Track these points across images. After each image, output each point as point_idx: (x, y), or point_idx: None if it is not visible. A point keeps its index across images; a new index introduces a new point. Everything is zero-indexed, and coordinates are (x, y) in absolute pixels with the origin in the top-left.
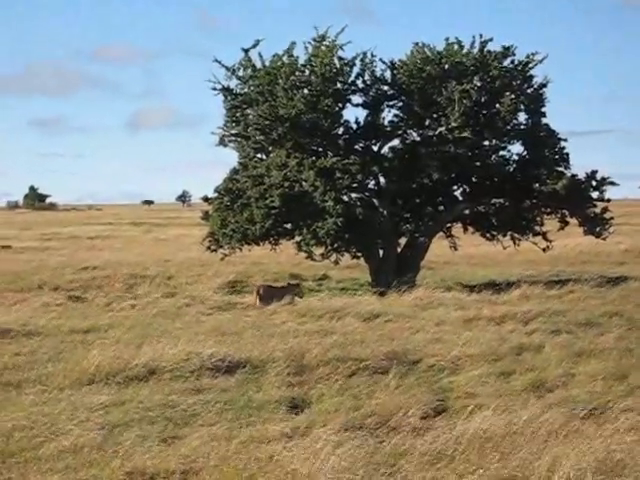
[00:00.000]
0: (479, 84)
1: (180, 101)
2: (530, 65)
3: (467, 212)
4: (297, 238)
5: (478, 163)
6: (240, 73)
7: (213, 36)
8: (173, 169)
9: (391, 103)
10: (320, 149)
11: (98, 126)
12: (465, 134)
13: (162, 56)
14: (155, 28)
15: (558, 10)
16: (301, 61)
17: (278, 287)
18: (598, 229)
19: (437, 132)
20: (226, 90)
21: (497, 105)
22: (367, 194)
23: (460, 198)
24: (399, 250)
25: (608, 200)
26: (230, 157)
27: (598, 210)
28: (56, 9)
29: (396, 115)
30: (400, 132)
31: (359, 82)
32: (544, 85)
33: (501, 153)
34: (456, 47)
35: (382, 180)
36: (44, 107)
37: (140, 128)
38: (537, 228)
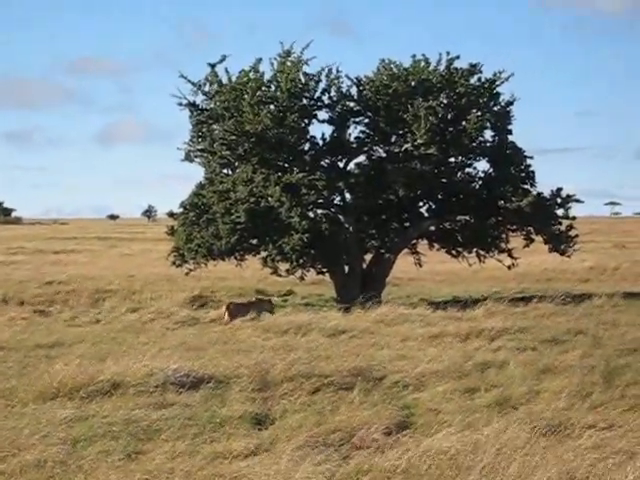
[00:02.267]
0: (445, 101)
1: (153, 115)
2: (497, 83)
3: (433, 229)
4: (263, 254)
5: (444, 180)
6: (206, 88)
7: (192, 50)
8: (141, 183)
9: (357, 119)
10: (286, 165)
11: (68, 139)
12: (431, 151)
13: (138, 70)
14: (133, 41)
15: (532, 28)
16: (267, 77)
17: (247, 303)
18: (563, 247)
19: (403, 149)
20: (192, 105)
21: (463, 122)
22: (333, 210)
23: (426, 215)
24: (364, 266)
25: (573, 218)
26: (197, 172)
27: (563, 227)
28: (34, 22)
29: (362, 131)
30: (366, 148)
31: (325, 98)
32: (511, 103)
33: (467, 170)
34: (423, 64)
35: (348, 196)
36: (14, 120)
37: (110, 142)
38: (502, 245)
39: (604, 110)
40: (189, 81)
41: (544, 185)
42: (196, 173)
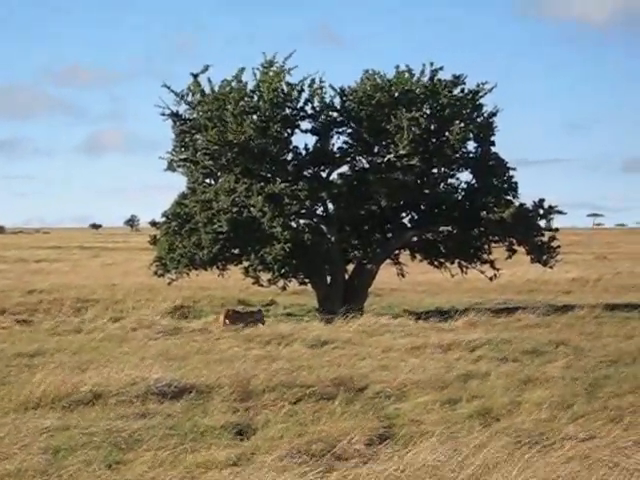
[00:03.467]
0: (428, 112)
1: (140, 125)
2: (480, 94)
3: (415, 239)
4: (245, 263)
5: (427, 191)
6: (189, 98)
7: (180, 61)
8: (125, 193)
9: (340, 130)
10: (269, 175)
11: (53, 149)
12: (414, 162)
13: (126, 80)
14: (121, 51)
15: (518, 39)
16: (250, 86)
17: (244, 312)
18: (545, 258)
19: (386, 159)
20: (175, 115)
21: (446, 133)
22: (315, 220)
23: (408, 225)
24: (347, 276)
25: (556, 229)
26: (181, 182)
27: (545, 239)
28: (22, 30)
29: (345, 142)
30: (349, 159)
31: (308, 108)
32: (494, 114)
33: (450, 181)
34: (406, 75)
35: (330, 206)
36: (1, 129)
37: (96, 151)
38: (485, 256)
39: (590, 123)
40: (172, 91)
41: (528, 196)
42: (179, 183)
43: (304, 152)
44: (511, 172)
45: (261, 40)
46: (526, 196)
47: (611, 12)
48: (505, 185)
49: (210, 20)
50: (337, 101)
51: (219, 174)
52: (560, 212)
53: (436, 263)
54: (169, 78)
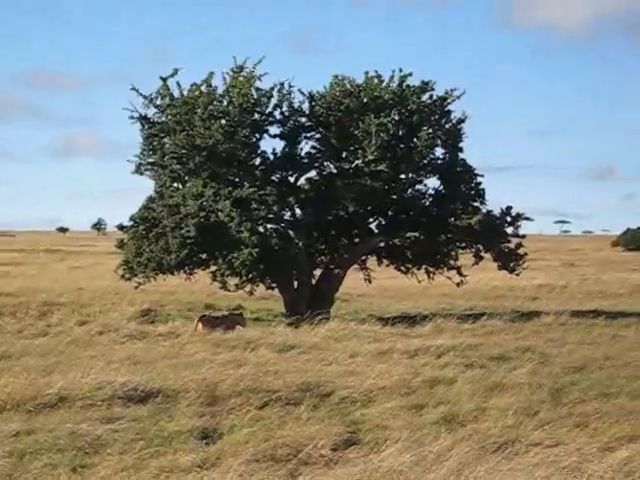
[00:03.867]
0: (397, 118)
1: (110, 129)
2: (448, 100)
3: (382, 245)
4: (212, 268)
5: (394, 196)
6: (158, 102)
7: (154, 66)
8: (93, 197)
9: (308, 135)
10: (237, 179)
11: (22, 153)
12: (381, 167)
13: (98, 84)
14: (95, 55)
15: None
16: (219, 91)
17: (219, 316)
18: (512, 264)
19: (354, 165)
20: (143, 119)
21: (414, 139)
22: (283, 225)
23: (376, 231)
24: (314, 282)
25: (523, 236)
26: (150, 186)
27: (512, 245)
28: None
29: (313, 147)
30: (317, 164)
31: (277, 113)
32: (462, 120)
33: (417, 187)
34: (375, 81)
35: (298, 211)
36: None
37: (66, 155)
38: (452, 262)
39: (559, 130)
40: (140, 94)
41: (496, 203)
42: (148, 187)
43: (272, 157)
44: (479, 179)
45: (239, 45)
46: (494, 203)
47: (580, 22)
48: (472, 192)
49: (186, 25)
50: (306, 106)
51: (187, 178)
52: (527, 219)
53: (403, 269)
54: (142, 83)
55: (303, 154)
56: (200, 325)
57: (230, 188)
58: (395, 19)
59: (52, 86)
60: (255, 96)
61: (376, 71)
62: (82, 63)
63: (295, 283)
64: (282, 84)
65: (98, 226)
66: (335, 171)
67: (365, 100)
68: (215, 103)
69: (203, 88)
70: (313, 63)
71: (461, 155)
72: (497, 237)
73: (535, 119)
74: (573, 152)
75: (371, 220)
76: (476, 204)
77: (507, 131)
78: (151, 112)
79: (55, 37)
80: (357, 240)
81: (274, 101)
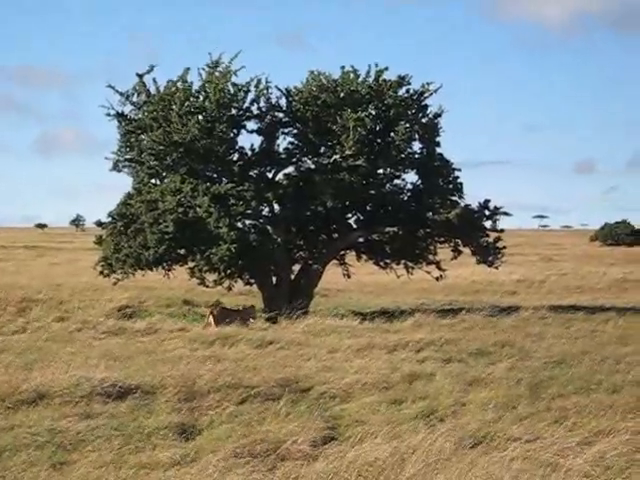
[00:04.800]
0: (374, 112)
1: (94, 126)
2: (425, 95)
3: (361, 240)
4: (190, 264)
5: (372, 191)
6: (134, 99)
7: (140, 62)
8: (75, 193)
9: (286, 130)
10: (215, 175)
11: (4, 147)
12: (359, 162)
13: (83, 80)
14: (81, 51)
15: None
16: (196, 87)
17: (232, 310)
18: (491, 258)
19: (332, 160)
20: (120, 116)
21: (392, 134)
22: (261, 221)
23: (354, 226)
24: (292, 277)
25: (502, 230)
26: (127, 182)
27: (491, 240)
28: None
29: (291, 142)
30: (295, 159)
31: (254, 108)
32: (439, 115)
33: (395, 182)
34: (352, 75)
35: (276, 207)
36: None
37: (48, 151)
38: (430, 257)
39: (540, 126)
40: (117, 91)
41: (475, 197)
42: (127, 183)
43: (250, 152)
44: (456, 173)
45: (232, 43)
46: (474, 198)
47: (570, 17)
48: (450, 186)
49: (171, 23)
50: (283, 102)
51: (165, 174)
52: (505, 213)
53: (382, 264)
54: (127, 80)
55: (281, 149)
56: (212, 319)
57: (208, 184)
58: (395, 13)
59: (36, 82)
60: (232, 91)
61: (352, 66)
62: (65, 59)
63: (274, 279)
64: (259, 79)
65: (77, 222)
66: (313, 166)
67: (342, 95)
68: (191, 99)
69: (179, 84)
70: (307, 60)
71: (438, 149)
72: (475, 231)
73: (518, 115)
74: (553, 148)
75: (349, 215)
76: (454, 198)
77: (491, 126)
78: (128, 109)
79: (38, 31)
80: (336, 235)
81: (251, 96)
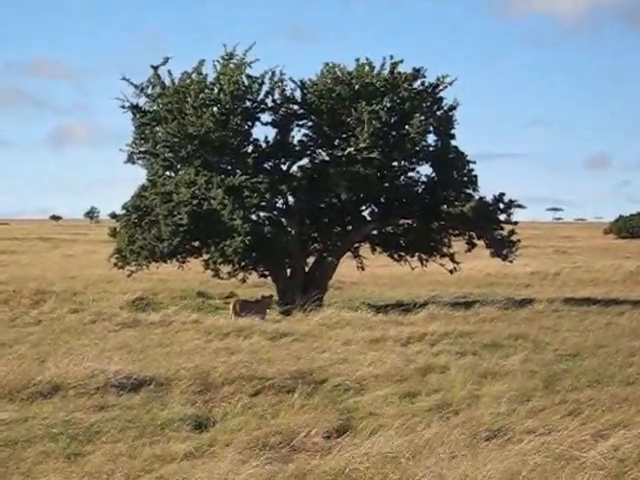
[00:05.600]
0: (389, 105)
1: (107, 118)
2: (440, 87)
3: (375, 232)
4: (205, 256)
5: (387, 184)
6: (149, 91)
7: (152, 56)
8: (88, 185)
9: (301, 122)
10: (229, 167)
11: (19, 141)
12: (374, 155)
13: (97, 73)
14: (93, 45)
15: (488, 37)
16: (210, 79)
17: (253, 301)
18: (505, 251)
19: (346, 152)
20: (135, 108)
21: (406, 126)
22: (275, 213)
23: (368, 218)
24: (307, 269)
25: (515, 223)
26: (142, 174)
27: (505, 233)
28: None
29: (305, 135)
30: (309, 152)
31: (268, 101)
32: (453, 107)
33: (410, 174)
34: (366, 68)
35: (291, 199)
36: None
37: (62, 144)
38: (445, 249)
39: (554, 119)
40: (131, 83)
41: (491, 190)
42: (141, 175)
43: (264, 145)
44: (471, 165)
45: (237, 35)
46: (489, 190)
47: (580, 12)
48: (465, 179)
49: (185, 16)
50: (298, 94)
51: (179, 166)
52: (520, 206)
53: (396, 256)
54: (140, 73)
55: (295, 142)
56: (236, 310)
57: (222, 176)
58: (398, 7)
59: (50, 75)
60: (246, 83)
61: (367, 58)
62: (79, 52)
63: (288, 271)
64: (273, 71)
65: (91, 214)
66: (327, 159)
67: (356, 87)
68: (206, 91)
69: (194, 76)
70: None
71: (453, 142)
72: (490, 224)
73: (533, 108)
74: (568, 141)
75: (364, 208)
76: (468, 191)
77: (505, 119)
78: (142, 101)
79: (52, 26)
80: (350, 228)
81: (265, 88)
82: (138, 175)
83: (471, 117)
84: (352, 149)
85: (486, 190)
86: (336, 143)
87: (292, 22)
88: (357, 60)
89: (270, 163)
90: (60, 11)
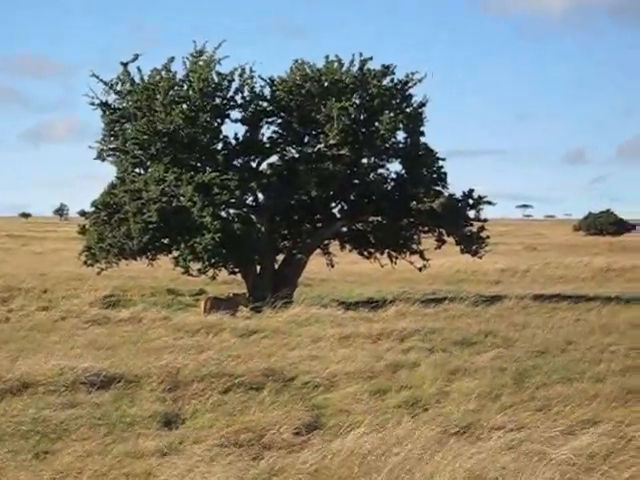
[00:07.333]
0: (358, 102)
1: (87, 115)
2: (409, 84)
3: (345, 229)
4: (175, 253)
5: (356, 181)
6: (118, 88)
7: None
8: (62, 182)
9: (270, 119)
10: (199, 164)
11: None
12: (343, 152)
13: (79, 70)
14: (76, 41)
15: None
16: (180, 76)
17: (224, 299)
18: (474, 248)
19: (316, 149)
20: (104, 105)
21: (376, 123)
22: (245, 210)
23: (338, 215)
24: (276, 266)
25: (485, 219)
26: (112, 171)
27: (475, 229)
28: None
29: (275, 132)
30: (279, 149)
31: (238, 98)
32: (423, 104)
33: (379, 171)
34: (336, 65)
35: (260, 196)
36: None
37: (40, 141)
38: (414, 246)
39: (526, 117)
40: (101, 80)
41: (462, 187)
42: (111, 173)
43: (234, 142)
44: (440, 162)
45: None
46: (460, 187)
47: (564, 9)
48: (434, 175)
49: (171, 15)
50: (267, 91)
51: (148, 164)
52: (489, 203)
53: (366, 253)
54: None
55: (265, 139)
56: (207, 307)
57: (192, 173)
58: (393, 5)
59: (32, 71)
60: (216, 80)
61: (336, 55)
62: (63, 50)
63: (258, 268)
64: (243, 68)
65: (60, 212)
66: (297, 156)
67: (326, 84)
68: (176, 88)
69: (163, 73)
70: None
71: (422, 139)
72: (459, 220)
73: (508, 104)
74: (538, 138)
75: (333, 205)
76: (438, 188)
77: (481, 115)
78: (112, 98)
79: (37, 23)
80: (319, 225)
81: (235, 85)
82: (110, 172)
83: (448, 114)
84: (322, 146)
85: (458, 188)
86: (306, 140)
87: (291, 21)
88: (326, 57)
89: (240, 160)
90: (53, 6)
